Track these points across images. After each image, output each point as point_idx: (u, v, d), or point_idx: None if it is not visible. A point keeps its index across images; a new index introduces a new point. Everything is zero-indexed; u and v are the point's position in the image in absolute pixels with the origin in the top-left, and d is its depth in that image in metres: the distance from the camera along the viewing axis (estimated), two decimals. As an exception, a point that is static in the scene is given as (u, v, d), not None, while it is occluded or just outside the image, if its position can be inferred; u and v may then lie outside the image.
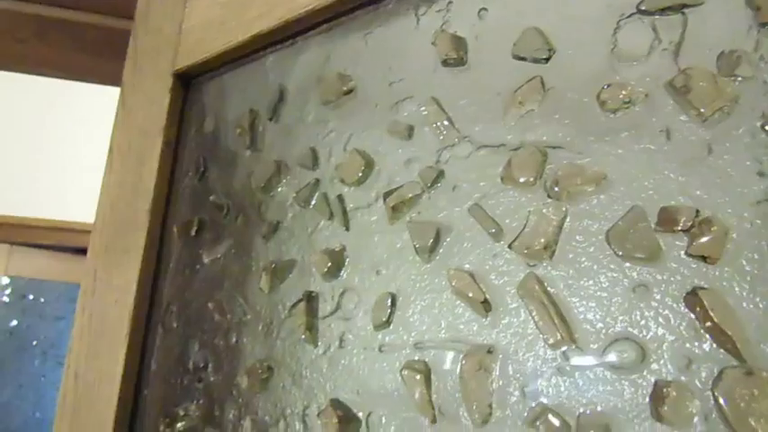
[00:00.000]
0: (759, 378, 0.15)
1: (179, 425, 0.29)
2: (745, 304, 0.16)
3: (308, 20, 0.29)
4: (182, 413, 0.29)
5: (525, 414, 0.19)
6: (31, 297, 1.92)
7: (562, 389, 0.18)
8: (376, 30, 0.28)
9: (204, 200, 0.34)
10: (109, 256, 0.38)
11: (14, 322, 1.86)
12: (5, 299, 1.83)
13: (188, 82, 0.38)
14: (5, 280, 1.84)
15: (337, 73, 0.29)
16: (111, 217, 0.39)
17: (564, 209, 0.20)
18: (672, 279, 0.17)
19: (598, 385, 0.18)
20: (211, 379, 0.29)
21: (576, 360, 0.18)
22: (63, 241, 1.92)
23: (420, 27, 0.26)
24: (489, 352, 0.20)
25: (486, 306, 0.21)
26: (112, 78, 0.67)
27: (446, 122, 0.24)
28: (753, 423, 0.15)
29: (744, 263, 0.16)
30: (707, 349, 0.16)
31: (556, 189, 0.20)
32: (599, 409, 0.18)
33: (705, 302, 0.16)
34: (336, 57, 0.29)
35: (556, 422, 0.18)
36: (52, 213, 1.79)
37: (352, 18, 0.29)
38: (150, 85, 0.40)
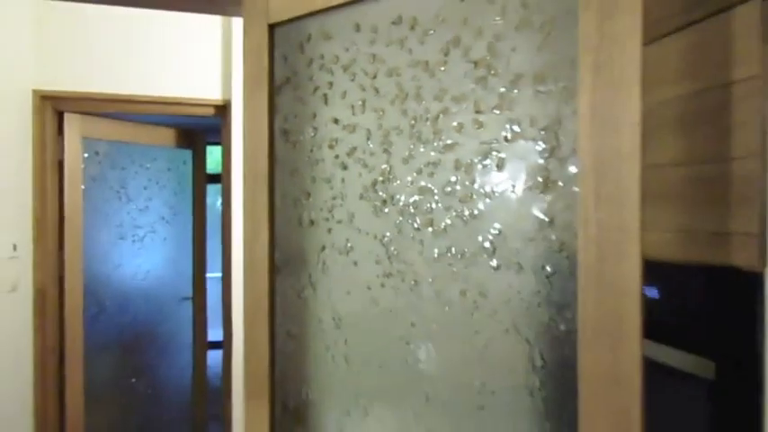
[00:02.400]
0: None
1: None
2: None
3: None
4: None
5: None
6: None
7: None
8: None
9: (286, 68, 1.03)
10: (250, 90, 1.08)
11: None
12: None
13: (273, 28, 1.04)
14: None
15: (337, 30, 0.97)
16: (250, 75, 1.08)
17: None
18: (400, 82, 0.89)
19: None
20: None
21: (384, 100, 0.90)
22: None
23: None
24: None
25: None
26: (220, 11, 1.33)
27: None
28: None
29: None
30: None
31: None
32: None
33: None
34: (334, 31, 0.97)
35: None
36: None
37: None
38: (257, 29, 1.06)
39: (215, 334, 5.17)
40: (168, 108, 2.50)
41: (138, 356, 2.84)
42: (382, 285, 0.92)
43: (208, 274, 3.19)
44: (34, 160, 2.31)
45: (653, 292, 0.96)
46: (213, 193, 5.43)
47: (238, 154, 2.50)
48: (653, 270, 0.96)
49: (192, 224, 3.01)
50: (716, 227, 0.82)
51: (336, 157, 0.96)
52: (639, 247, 0.68)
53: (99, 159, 2.60)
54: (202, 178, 3.07)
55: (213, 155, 4.63)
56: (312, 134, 1.00)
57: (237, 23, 2.42)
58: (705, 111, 0.84)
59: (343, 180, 0.96)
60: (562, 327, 0.74)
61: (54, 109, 2.41)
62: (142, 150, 2.79)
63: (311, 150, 1.00)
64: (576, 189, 0.73)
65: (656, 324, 0.95)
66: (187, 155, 2.99)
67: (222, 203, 2.70)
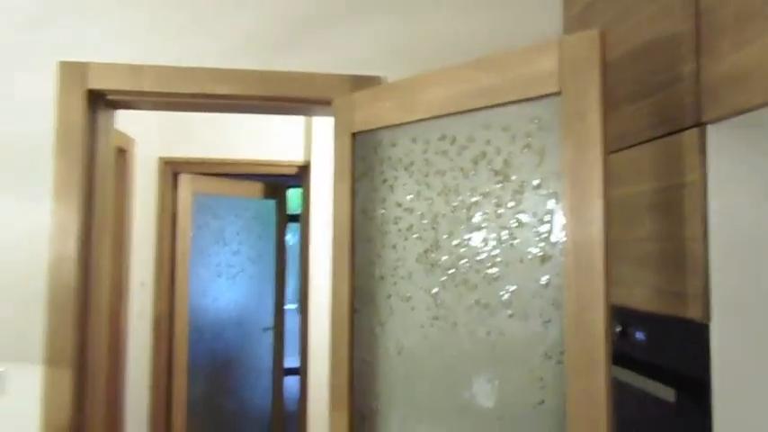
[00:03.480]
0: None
1: (365, 215, 1.42)
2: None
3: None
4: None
5: (426, 201, 1.29)
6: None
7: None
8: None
9: (364, 164, 1.43)
10: (338, 179, 1.48)
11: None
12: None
13: (355, 135, 1.46)
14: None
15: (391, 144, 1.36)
16: (338, 168, 1.49)
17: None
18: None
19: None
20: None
21: (433, 192, 1.28)
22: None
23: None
24: (421, 193, 1.30)
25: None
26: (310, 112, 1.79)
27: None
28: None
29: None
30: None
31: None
32: (435, 199, 1.27)
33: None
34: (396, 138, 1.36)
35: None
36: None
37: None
38: (344, 136, 1.48)
39: (288, 361, 5.64)
40: (260, 168, 3.02)
41: (227, 378, 3.30)
42: (431, 325, 1.27)
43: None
44: (157, 213, 2.87)
45: (641, 336, 1.25)
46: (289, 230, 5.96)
47: (316, 203, 2.95)
48: (642, 318, 1.25)
49: (274, 263, 3.49)
50: (676, 288, 1.11)
51: (399, 230, 1.34)
52: (604, 303, 0.99)
53: (203, 210, 3.15)
54: (284, 224, 3.56)
55: (290, 196, 5.20)
56: (382, 213, 1.39)
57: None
58: (667, 202, 1.14)
59: (404, 248, 1.33)
60: (555, 359, 1.06)
61: (172, 171, 2.99)
62: (236, 202, 3.32)
63: (381, 225, 1.39)
64: (563, 261, 1.06)
65: (643, 360, 1.23)
66: (271, 204, 3.50)
67: (301, 246, 3.15)
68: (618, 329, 1.33)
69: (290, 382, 5.56)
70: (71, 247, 1.43)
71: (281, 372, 3.54)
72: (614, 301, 1.35)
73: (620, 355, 1.32)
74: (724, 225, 1.05)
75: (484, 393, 1.17)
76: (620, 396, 1.29)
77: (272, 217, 3.50)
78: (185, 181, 3.05)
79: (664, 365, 1.15)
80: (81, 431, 1.45)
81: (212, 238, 3.19)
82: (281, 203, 3.55)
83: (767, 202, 1.06)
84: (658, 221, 1.18)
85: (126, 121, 2.46)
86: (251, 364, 3.40)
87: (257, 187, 3.41)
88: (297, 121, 3.03)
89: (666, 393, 1.08)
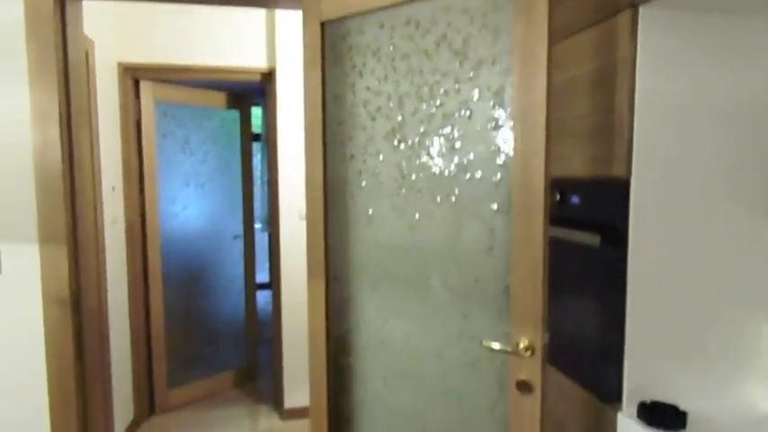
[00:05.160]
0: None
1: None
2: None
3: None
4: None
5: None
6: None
7: (397, 79, 1.40)
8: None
9: (333, 52, 1.52)
10: (309, 67, 1.58)
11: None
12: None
13: (324, 24, 1.53)
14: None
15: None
16: (308, 57, 1.58)
17: None
18: (409, 63, 1.38)
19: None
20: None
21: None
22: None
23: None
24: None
25: (388, 69, 1.42)
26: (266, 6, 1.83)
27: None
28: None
29: (416, 60, 1.37)
30: None
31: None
32: (400, 80, 1.40)
33: None
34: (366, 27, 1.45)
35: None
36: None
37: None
38: (313, 25, 1.55)
39: (259, 277, 5.81)
40: (222, 75, 3.02)
41: (201, 285, 3.47)
42: (398, 194, 1.44)
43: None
44: (121, 120, 2.87)
45: (576, 200, 1.46)
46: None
47: (284, 114, 3.01)
48: (577, 184, 1.46)
49: (241, 173, 3.57)
50: (606, 152, 1.31)
51: (368, 112, 1.47)
52: (544, 163, 1.18)
53: (167, 119, 3.15)
54: (249, 134, 3.61)
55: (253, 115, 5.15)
56: (352, 97, 1.50)
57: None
58: (601, 79, 1.31)
59: (372, 128, 1.47)
60: (503, 211, 1.26)
61: (132, 77, 2.95)
62: (200, 111, 3.33)
63: (351, 107, 1.51)
64: (511, 129, 1.22)
65: (576, 218, 1.45)
66: (236, 115, 3.52)
67: (269, 158, 3.23)
68: (557, 198, 1.54)
69: (259, 296, 5.80)
70: (54, 132, 1.49)
71: (253, 278, 3.72)
72: (555, 173, 1.55)
73: (559, 217, 1.54)
74: (649, 94, 1.23)
75: (445, 244, 1.36)
76: (558, 249, 1.52)
77: (236, 128, 3.53)
78: (146, 88, 3.02)
79: (593, 220, 1.37)
80: (79, 302, 1.59)
81: (178, 147, 3.22)
82: (245, 114, 3.57)
83: (687, 75, 1.24)
84: (594, 98, 1.35)
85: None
86: (223, 272, 3.57)
87: (220, 97, 3.41)
88: (259, 26, 3.01)
89: (592, 240, 1.31)
